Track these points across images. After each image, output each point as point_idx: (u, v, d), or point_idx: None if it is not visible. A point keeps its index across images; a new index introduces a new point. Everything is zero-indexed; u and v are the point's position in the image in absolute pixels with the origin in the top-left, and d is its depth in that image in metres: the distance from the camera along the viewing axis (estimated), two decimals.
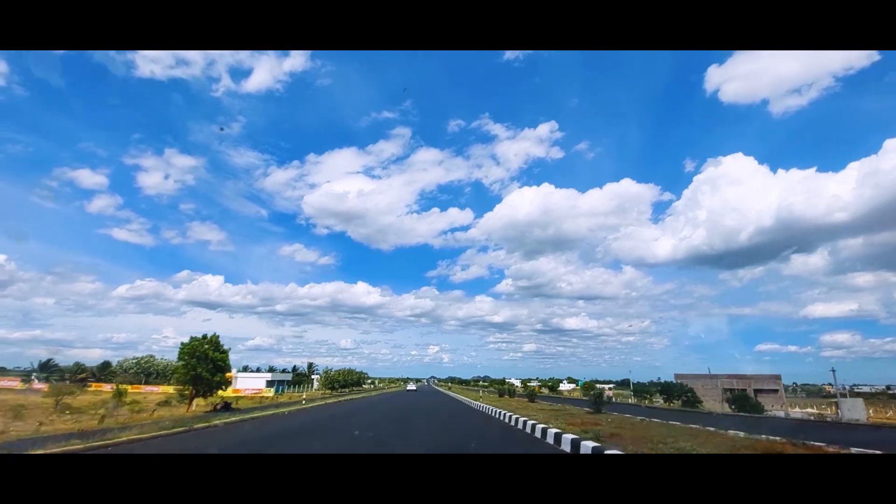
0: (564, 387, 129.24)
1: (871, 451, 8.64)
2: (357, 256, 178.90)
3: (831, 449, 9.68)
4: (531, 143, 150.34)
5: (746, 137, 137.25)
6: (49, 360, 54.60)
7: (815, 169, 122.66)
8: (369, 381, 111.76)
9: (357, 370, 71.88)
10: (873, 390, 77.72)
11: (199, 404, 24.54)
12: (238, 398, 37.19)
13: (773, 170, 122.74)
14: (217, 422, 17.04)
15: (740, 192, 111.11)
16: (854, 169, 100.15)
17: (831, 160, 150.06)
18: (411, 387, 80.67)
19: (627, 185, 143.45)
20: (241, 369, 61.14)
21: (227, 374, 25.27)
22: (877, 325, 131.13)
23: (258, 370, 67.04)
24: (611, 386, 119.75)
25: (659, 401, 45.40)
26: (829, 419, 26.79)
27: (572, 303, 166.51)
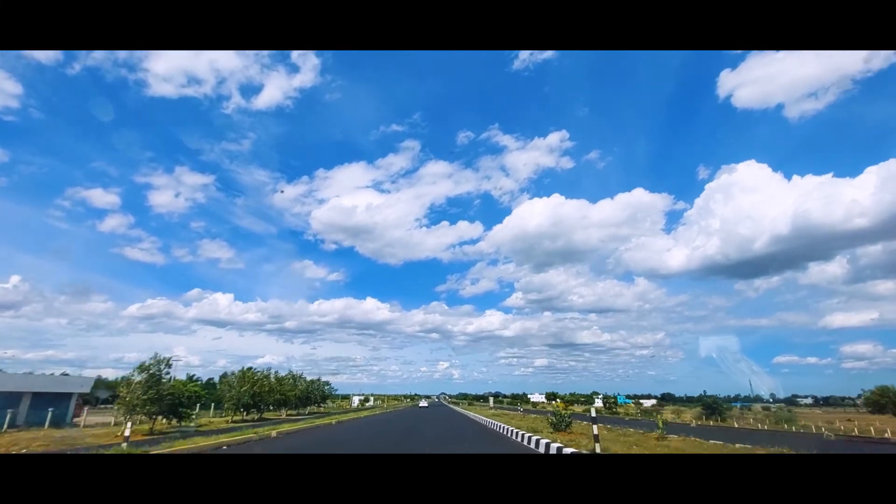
0: (598, 404, 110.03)
1: (870, 452, 7.45)
2: (366, 272, 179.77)
3: None
4: (541, 152, 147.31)
5: (760, 143, 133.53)
6: None
7: (831, 174, 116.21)
8: (360, 396, 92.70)
9: (307, 379, 44.82)
10: None
11: None
12: None
13: (788, 176, 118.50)
14: None
15: (754, 200, 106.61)
16: (872, 174, 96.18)
17: (848, 165, 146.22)
18: (423, 404, 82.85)
19: (640, 195, 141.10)
20: None
21: None
22: None
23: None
24: (652, 402, 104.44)
25: None
26: None
27: (584, 316, 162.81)
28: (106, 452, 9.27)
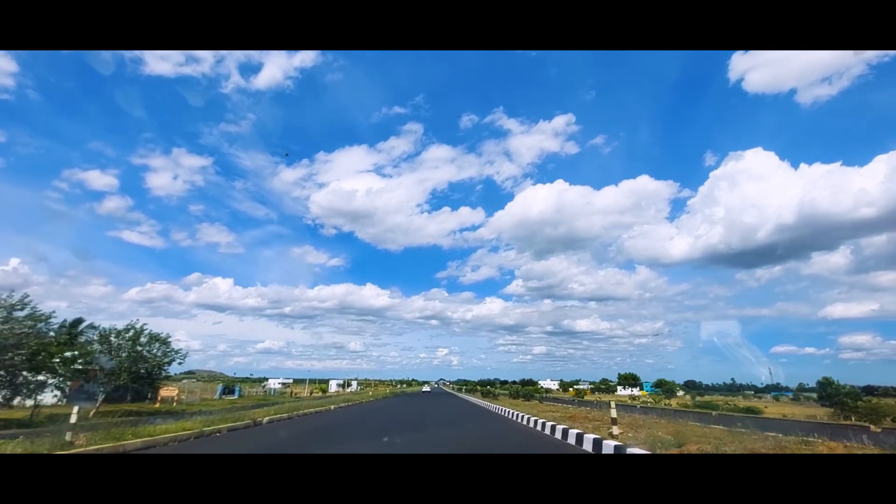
0: (624, 391, 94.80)
1: (870, 452, 7.41)
2: (366, 258, 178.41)
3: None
4: (545, 136, 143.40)
5: (769, 130, 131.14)
6: None
7: (840, 163, 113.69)
8: (339, 381, 77.26)
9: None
10: None
11: None
12: None
13: (796, 164, 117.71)
14: None
15: (760, 188, 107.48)
16: (882, 162, 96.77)
17: (858, 153, 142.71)
18: (426, 389, 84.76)
19: (645, 182, 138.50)
20: None
21: None
22: None
23: None
24: (681, 393, 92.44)
25: None
26: None
27: (584, 304, 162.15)
28: (106, 453, 8.10)
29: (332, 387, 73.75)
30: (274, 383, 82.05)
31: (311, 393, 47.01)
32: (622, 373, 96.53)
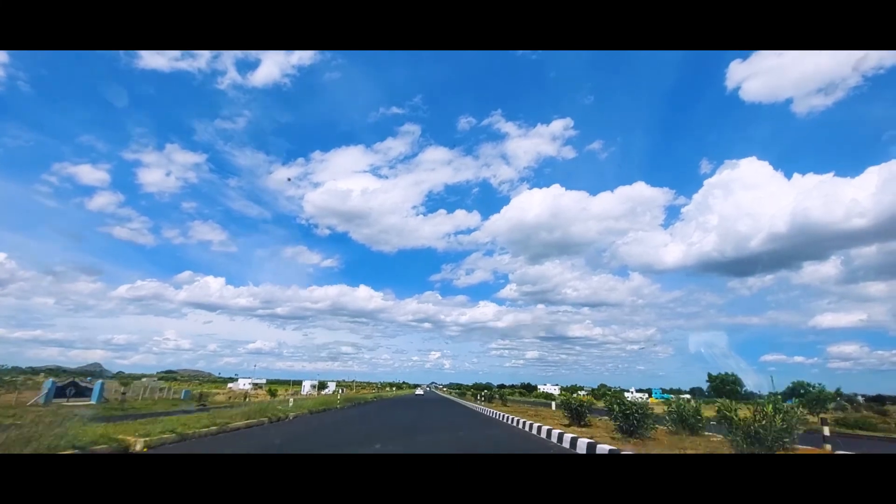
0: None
1: (871, 452, 7.68)
2: (360, 259, 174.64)
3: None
4: (543, 140, 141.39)
5: (765, 139, 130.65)
6: None
7: (832, 174, 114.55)
8: (313, 382, 68.91)
9: None
10: None
11: None
12: None
13: (790, 173, 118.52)
14: None
15: (754, 197, 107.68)
16: (873, 173, 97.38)
17: (851, 164, 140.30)
18: (419, 392, 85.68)
19: (640, 189, 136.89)
20: None
21: None
22: (886, 337, 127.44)
23: None
24: (687, 397, 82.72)
25: None
26: None
27: (577, 309, 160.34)
28: (107, 453, 7.79)
29: (306, 388, 65.70)
30: (244, 383, 74.46)
31: (246, 398, 38.51)
32: (713, 373, 77.95)
